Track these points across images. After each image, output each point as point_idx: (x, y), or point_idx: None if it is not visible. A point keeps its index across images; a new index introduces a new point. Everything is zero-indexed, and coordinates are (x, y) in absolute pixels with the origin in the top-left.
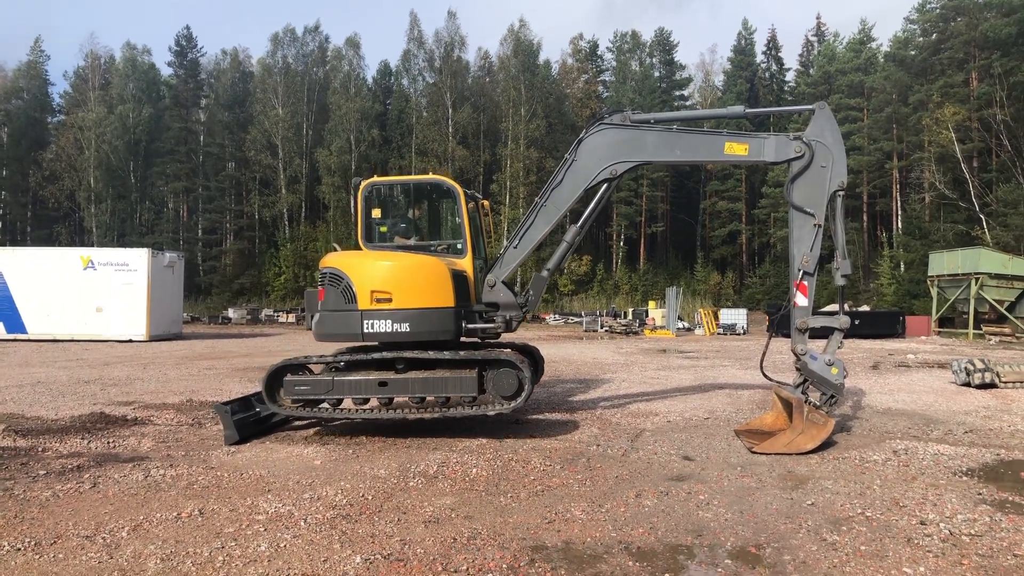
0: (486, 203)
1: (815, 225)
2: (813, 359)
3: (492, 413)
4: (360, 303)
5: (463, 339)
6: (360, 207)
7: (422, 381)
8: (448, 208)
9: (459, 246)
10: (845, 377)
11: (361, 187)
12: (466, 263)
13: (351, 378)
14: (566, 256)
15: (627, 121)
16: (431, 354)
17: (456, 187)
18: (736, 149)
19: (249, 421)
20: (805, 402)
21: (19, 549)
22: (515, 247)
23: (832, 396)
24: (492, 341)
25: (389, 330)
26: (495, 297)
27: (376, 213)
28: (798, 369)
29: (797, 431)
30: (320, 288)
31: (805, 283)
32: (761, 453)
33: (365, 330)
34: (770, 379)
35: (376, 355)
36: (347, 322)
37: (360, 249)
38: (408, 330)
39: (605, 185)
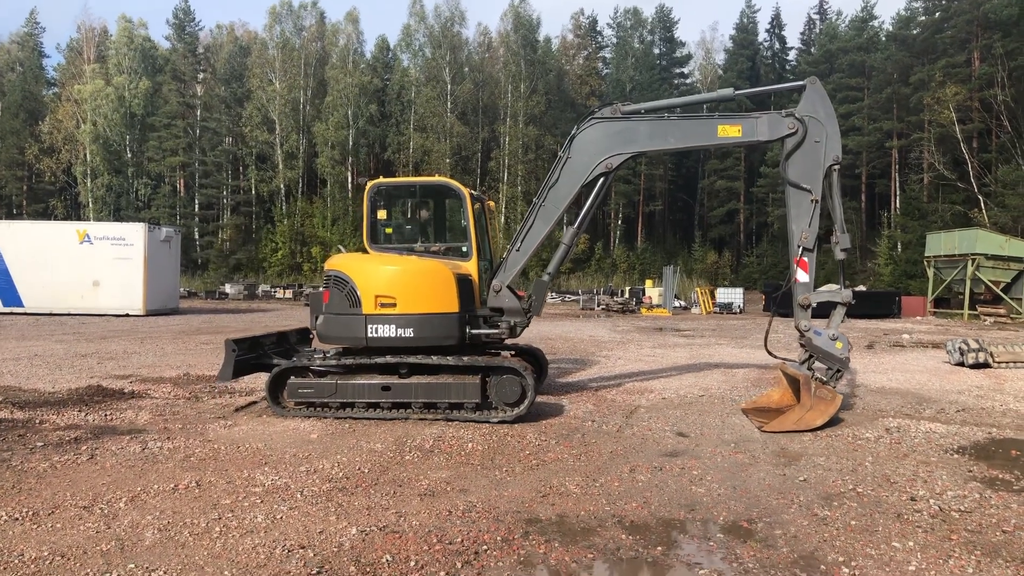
0: (491, 204)
1: (812, 201)
2: (817, 335)
3: (495, 420)
4: (364, 307)
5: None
6: (366, 208)
7: (425, 386)
8: (454, 210)
9: (464, 249)
10: (850, 351)
11: (367, 188)
12: (471, 266)
13: (355, 382)
14: (565, 258)
15: (617, 113)
16: (435, 359)
17: (463, 190)
18: (730, 131)
19: (249, 363)
20: (812, 378)
21: (16, 519)
22: (517, 250)
23: (838, 370)
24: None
25: (393, 335)
26: (500, 302)
27: (381, 215)
28: (802, 346)
29: (806, 408)
30: (324, 290)
31: (805, 259)
32: (772, 432)
33: (369, 334)
34: (775, 356)
35: (380, 359)
36: (351, 326)
37: (366, 250)
38: (412, 335)
39: (602, 179)
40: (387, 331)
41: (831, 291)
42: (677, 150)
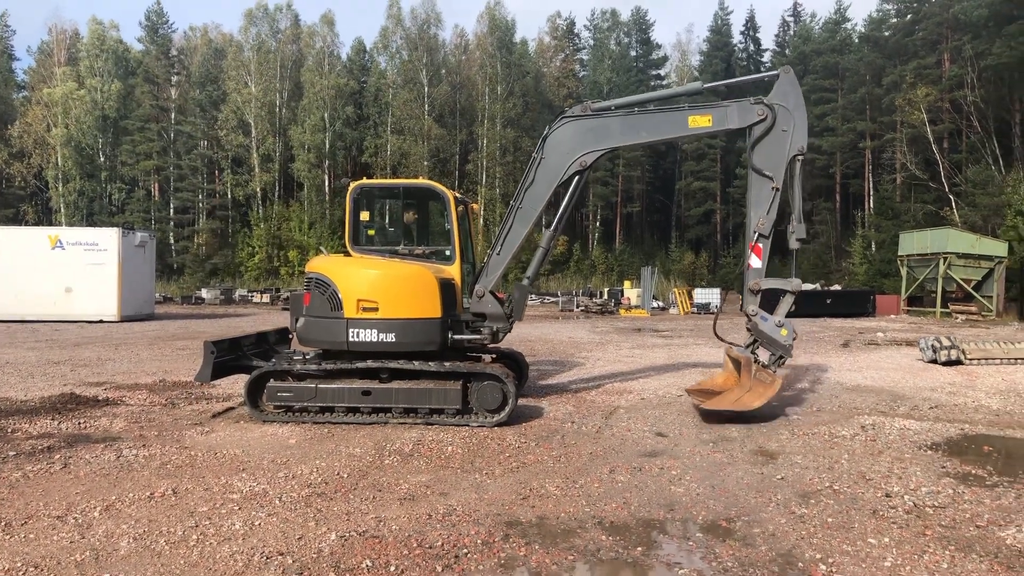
0: (475, 206)
1: (772, 188)
2: (764, 320)
3: (475, 426)
4: (346, 311)
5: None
6: (349, 209)
7: (406, 392)
8: (437, 213)
9: (447, 253)
10: (794, 339)
11: (350, 189)
12: (454, 270)
13: (335, 386)
14: (544, 261)
15: (588, 111)
16: (416, 365)
17: (447, 193)
18: (700, 121)
19: (228, 365)
20: (754, 361)
21: None
22: (498, 254)
23: (780, 356)
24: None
25: (375, 339)
26: (483, 308)
27: (364, 216)
28: (749, 330)
29: (745, 389)
30: (306, 292)
31: (760, 245)
32: (709, 410)
33: (350, 338)
34: (723, 340)
35: (361, 364)
36: (332, 329)
37: (348, 252)
38: (394, 340)
39: (577, 177)
40: (369, 335)
41: (782, 280)
42: (649, 143)
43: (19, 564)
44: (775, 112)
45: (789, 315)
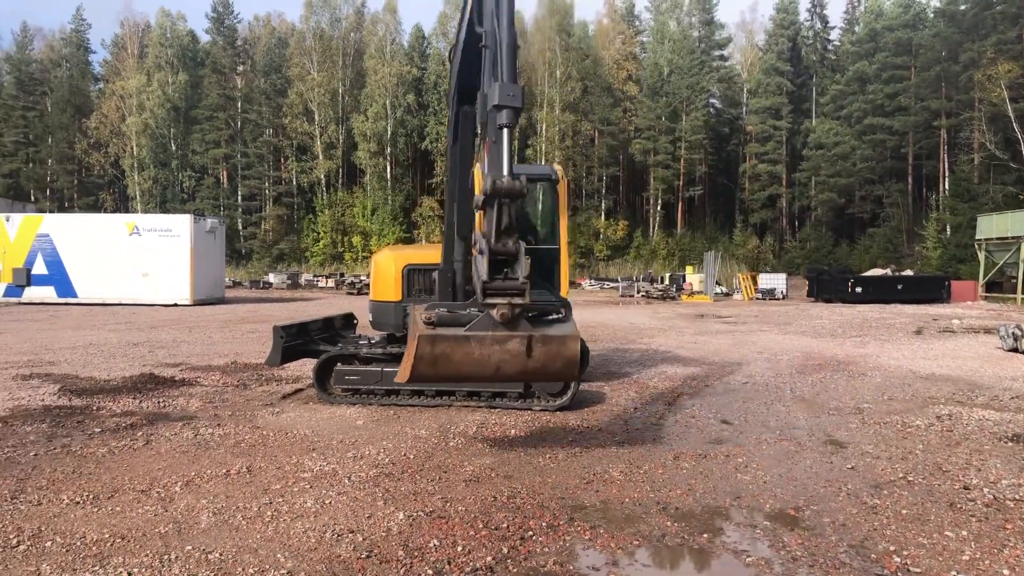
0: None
1: None
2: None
3: (538, 409)
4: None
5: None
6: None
7: None
8: (533, 200)
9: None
10: (527, 276)
11: None
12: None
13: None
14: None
15: None
16: None
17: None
18: None
19: (296, 349)
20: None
21: (78, 503)
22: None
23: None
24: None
25: (369, 320)
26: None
27: None
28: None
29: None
30: None
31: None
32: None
33: (369, 319)
34: None
35: None
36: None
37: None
38: (371, 320)
39: (461, 115)
40: (368, 315)
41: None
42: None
43: (107, 535)
44: None
45: (857, 299)
